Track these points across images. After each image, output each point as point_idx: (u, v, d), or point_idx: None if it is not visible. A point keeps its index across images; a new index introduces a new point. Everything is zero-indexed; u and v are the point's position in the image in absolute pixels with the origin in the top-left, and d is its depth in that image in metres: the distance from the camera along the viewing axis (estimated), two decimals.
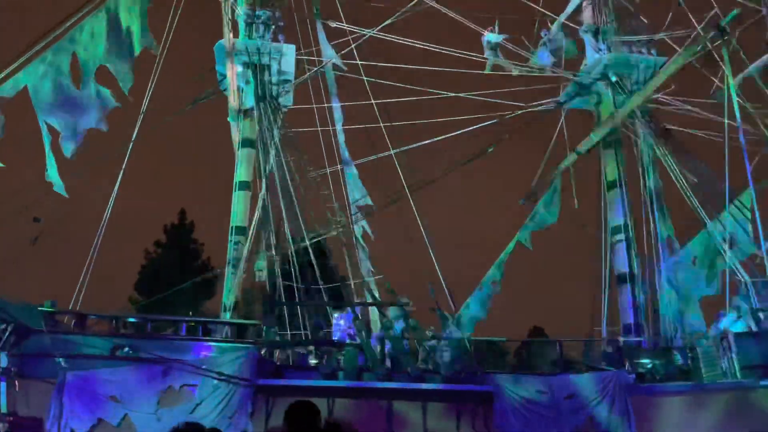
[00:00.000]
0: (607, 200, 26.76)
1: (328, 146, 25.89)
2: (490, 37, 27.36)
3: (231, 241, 22.80)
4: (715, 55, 24.13)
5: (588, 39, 27.66)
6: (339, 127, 25.61)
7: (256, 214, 22.92)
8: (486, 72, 27.99)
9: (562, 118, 28.33)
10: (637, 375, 20.81)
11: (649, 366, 21.06)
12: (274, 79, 24.54)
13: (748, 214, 26.77)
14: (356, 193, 26.11)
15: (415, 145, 25.05)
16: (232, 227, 23.06)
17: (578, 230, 28.88)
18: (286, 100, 25.91)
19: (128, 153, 23.19)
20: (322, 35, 25.74)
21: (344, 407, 18.12)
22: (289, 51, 24.23)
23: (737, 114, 22.46)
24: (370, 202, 26.40)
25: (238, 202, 23.45)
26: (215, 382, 17.73)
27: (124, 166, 23.04)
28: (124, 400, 17.58)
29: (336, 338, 19.26)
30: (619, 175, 26.45)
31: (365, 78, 25.58)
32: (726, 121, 22.62)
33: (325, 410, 17.85)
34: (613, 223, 26.33)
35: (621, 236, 25.94)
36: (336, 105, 25.66)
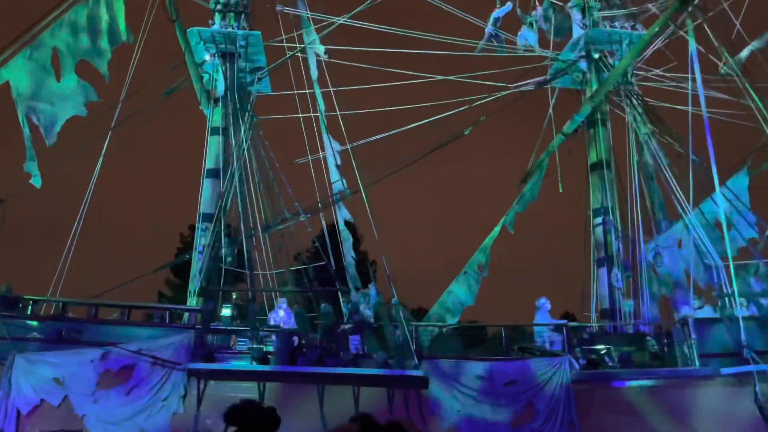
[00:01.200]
0: (590, 182, 26.20)
1: (309, 132, 26.05)
2: (499, 12, 27.09)
3: (198, 227, 23.28)
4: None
5: (574, 15, 27.02)
6: (321, 114, 25.66)
7: (222, 202, 23.38)
8: (476, 54, 27.71)
9: (554, 98, 27.88)
10: (588, 361, 20.40)
11: (603, 352, 20.58)
12: (244, 66, 24.87)
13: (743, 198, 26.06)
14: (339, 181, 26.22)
15: (378, 136, 24.92)
16: (199, 214, 23.53)
17: (569, 214, 28.47)
18: (264, 87, 26.27)
19: (106, 143, 23.82)
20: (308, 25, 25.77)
21: (275, 391, 18.42)
22: (256, 39, 24.39)
23: (700, 88, 21.60)
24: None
25: (206, 189, 23.88)
26: (150, 365, 18.27)
27: (103, 153, 23.66)
28: (66, 382, 18.24)
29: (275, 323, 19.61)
30: (597, 156, 25.84)
31: (342, 63, 25.69)
32: (690, 91, 21.88)
33: (256, 394, 18.21)
34: (594, 205, 25.78)
35: (600, 219, 25.40)
36: (315, 90, 25.69)
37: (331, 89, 23.78)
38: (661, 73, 25.56)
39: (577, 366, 19.77)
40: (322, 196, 23.79)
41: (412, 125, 25.65)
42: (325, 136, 25.57)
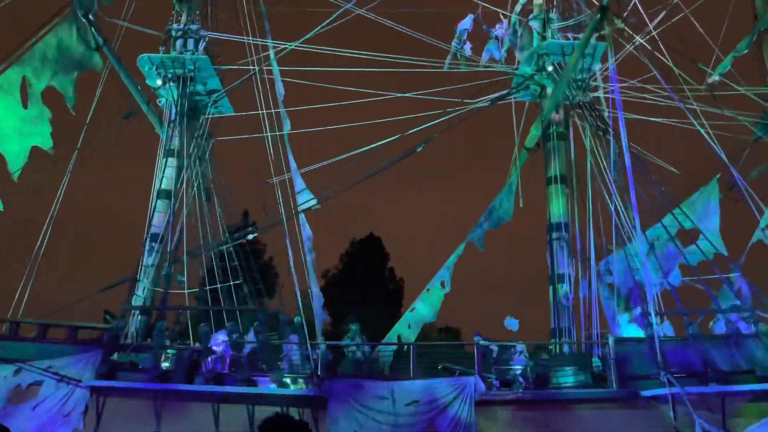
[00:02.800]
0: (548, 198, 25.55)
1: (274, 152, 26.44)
2: (466, 25, 26.94)
3: (146, 247, 23.93)
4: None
5: (535, 27, 26.49)
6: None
7: (177, 221, 24.05)
8: (444, 70, 27.52)
9: (524, 113, 27.42)
10: (502, 382, 19.90)
11: (519, 372, 20.03)
12: (201, 89, 25.54)
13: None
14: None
15: (336, 158, 25.02)
16: (149, 234, 24.18)
17: (529, 230, 28.02)
18: (226, 108, 26.87)
19: (71, 165, 24.87)
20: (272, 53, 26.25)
21: (172, 409, 18.76)
22: (205, 63, 24.99)
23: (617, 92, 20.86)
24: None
25: (158, 210, 24.54)
26: (56, 381, 18.95)
27: (65, 180, 24.75)
28: None
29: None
30: (554, 170, 25.19)
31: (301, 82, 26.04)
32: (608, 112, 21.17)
33: (153, 412, 18.61)
34: (551, 221, 25.15)
35: (555, 235, 24.72)
36: (266, 112, 26.04)
37: (275, 110, 23.95)
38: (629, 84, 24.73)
39: (482, 387, 19.26)
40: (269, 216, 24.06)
41: (364, 148, 25.54)
42: (290, 157, 26.05)
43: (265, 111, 24.96)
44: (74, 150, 25.01)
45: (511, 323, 23.04)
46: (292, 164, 25.00)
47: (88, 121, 25.23)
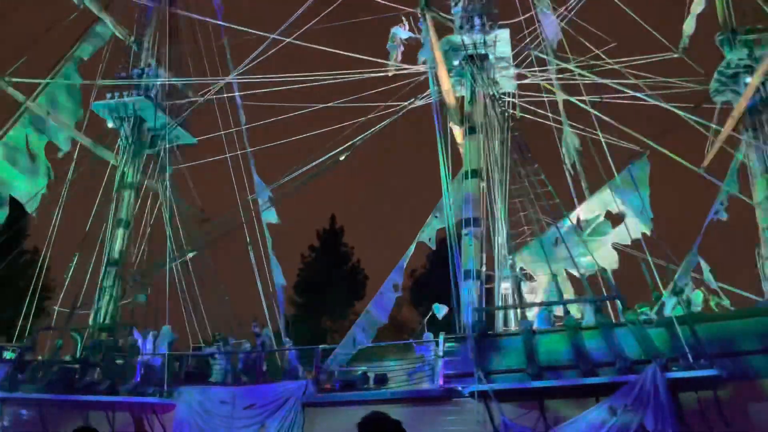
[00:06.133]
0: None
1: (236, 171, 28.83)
2: (398, 31, 27.63)
3: (104, 272, 27.00)
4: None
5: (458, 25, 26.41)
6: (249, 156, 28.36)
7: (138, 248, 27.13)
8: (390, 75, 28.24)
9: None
10: (344, 383, 20.55)
11: (359, 373, 20.57)
12: (152, 125, 28.40)
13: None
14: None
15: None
16: (107, 259, 27.27)
17: None
18: (187, 138, 29.55)
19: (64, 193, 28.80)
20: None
21: (58, 416, 21.56)
22: (146, 104, 27.77)
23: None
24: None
25: (118, 238, 27.61)
26: None
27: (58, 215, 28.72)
28: None
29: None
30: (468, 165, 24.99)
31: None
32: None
33: (39, 420, 21.54)
34: (466, 215, 24.99)
35: (465, 230, 24.57)
36: (225, 132, 28.39)
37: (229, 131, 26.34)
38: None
39: (313, 389, 20.07)
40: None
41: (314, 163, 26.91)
42: (255, 176, 28.33)
43: (223, 132, 27.49)
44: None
45: (439, 309, 23.40)
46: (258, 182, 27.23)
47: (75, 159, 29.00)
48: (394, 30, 27.25)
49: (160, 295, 27.70)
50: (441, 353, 19.65)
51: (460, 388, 18.80)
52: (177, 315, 26.98)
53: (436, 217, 26.91)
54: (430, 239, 26.96)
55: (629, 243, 24.27)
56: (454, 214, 24.77)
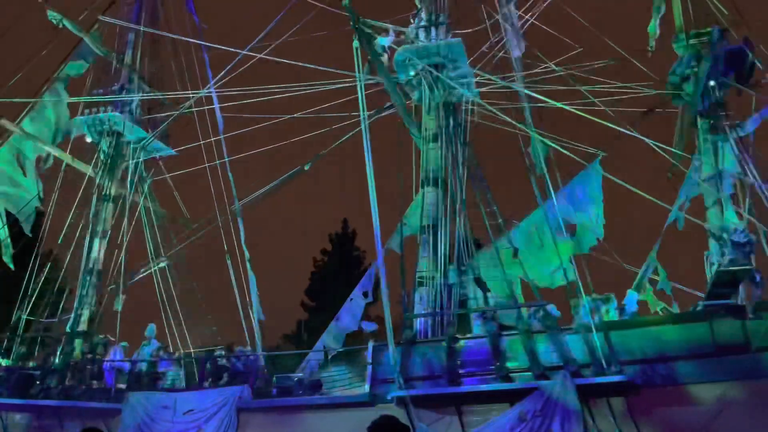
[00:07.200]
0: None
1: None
2: (382, 40, 28.08)
3: (87, 282, 27.99)
4: None
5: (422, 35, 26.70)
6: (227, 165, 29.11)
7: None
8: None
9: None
10: (280, 389, 21.07)
11: (296, 379, 21.09)
12: (130, 138, 29.40)
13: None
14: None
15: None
16: (90, 269, 28.28)
17: None
18: (167, 150, 30.49)
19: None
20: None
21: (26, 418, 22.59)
22: (118, 119, 28.77)
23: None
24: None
25: (99, 249, 28.62)
26: None
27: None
28: None
29: None
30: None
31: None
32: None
33: None
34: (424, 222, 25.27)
35: (419, 239, 24.85)
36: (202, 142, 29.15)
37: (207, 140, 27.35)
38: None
39: (249, 395, 20.63)
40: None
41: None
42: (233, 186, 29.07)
43: (202, 142, 28.40)
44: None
45: (368, 326, 23.88)
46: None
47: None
48: (378, 40, 27.54)
49: (137, 302, 28.78)
50: (369, 360, 19.93)
51: (384, 394, 19.09)
52: (158, 323, 27.74)
53: (403, 224, 27.28)
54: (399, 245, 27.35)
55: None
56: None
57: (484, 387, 18.30)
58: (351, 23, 22.95)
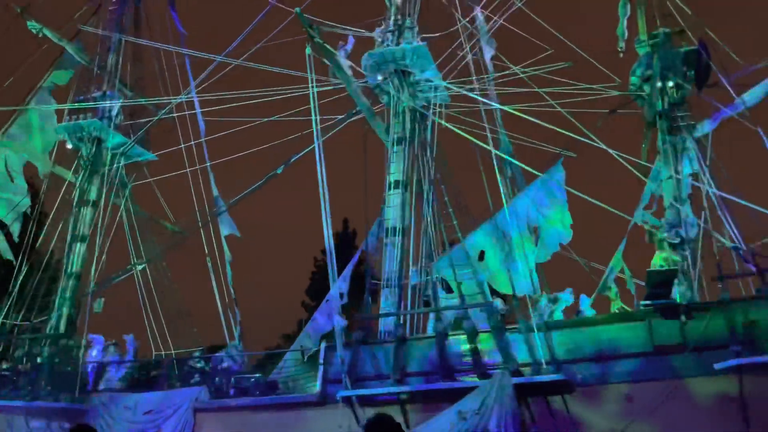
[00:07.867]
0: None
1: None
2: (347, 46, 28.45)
3: (69, 285, 28.54)
4: None
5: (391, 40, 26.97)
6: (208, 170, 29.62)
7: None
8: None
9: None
10: (237, 389, 21.45)
11: (252, 380, 21.45)
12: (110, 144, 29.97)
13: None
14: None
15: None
16: (70, 273, 28.85)
17: None
18: (148, 155, 31.02)
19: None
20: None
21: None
22: (97, 125, 29.36)
23: None
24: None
25: (78, 253, 29.19)
26: None
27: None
28: None
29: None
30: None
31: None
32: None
33: None
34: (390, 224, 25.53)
35: (386, 240, 25.13)
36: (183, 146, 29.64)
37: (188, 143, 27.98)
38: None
39: (206, 396, 21.03)
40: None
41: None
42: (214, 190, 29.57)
43: (183, 146, 28.96)
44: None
45: (339, 322, 24.13)
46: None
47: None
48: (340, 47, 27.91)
49: (118, 304, 29.32)
50: (321, 360, 20.23)
51: (334, 394, 19.38)
52: (139, 324, 28.23)
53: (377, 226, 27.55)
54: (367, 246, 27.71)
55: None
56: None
57: (425, 387, 18.50)
58: (304, 30, 23.19)
